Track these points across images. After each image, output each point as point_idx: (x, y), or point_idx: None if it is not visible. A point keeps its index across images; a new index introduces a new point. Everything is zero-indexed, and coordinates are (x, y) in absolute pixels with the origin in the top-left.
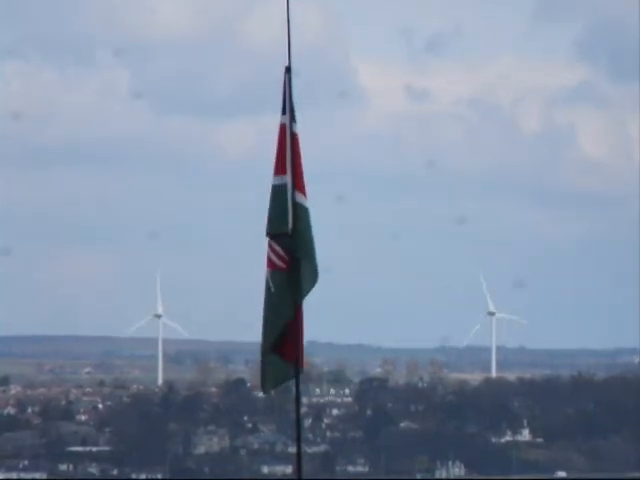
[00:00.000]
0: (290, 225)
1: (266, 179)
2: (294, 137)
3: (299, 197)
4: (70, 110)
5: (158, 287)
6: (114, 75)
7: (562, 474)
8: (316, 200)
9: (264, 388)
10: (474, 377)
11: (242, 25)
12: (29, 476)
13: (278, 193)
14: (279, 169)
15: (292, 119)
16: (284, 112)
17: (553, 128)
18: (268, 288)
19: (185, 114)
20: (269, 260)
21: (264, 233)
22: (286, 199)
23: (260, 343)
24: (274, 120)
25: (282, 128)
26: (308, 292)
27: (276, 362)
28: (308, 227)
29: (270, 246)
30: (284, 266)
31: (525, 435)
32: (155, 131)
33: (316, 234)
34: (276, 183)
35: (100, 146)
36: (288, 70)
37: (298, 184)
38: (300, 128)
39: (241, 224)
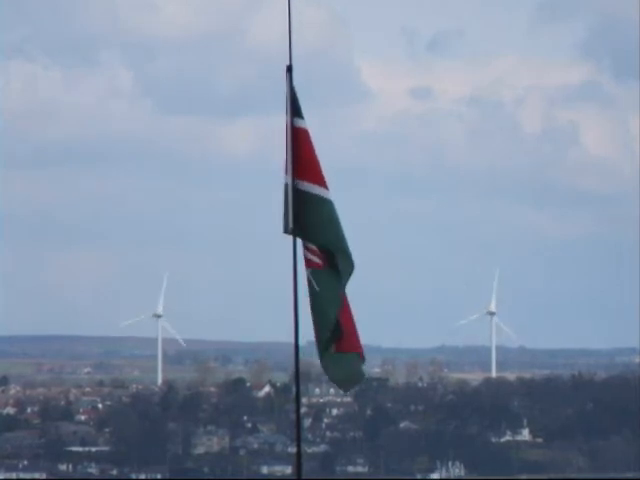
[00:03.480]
0: (290, 224)
1: (267, 179)
2: (303, 132)
3: (318, 190)
4: (72, 109)
5: (163, 288)
6: (116, 74)
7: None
8: None
9: (344, 389)
10: (474, 377)
11: (246, 24)
12: (28, 476)
13: (285, 192)
14: (286, 169)
15: (298, 115)
16: (291, 112)
17: (555, 127)
18: (312, 288)
19: (188, 114)
20: (306, 259)
21: (264, 233)
22: (287, 199)
23: (316, 346)
24: (277, 120)
25: (291, 128)
26: (347, 281)
27: (344, 360)
28: (331, 218)
29: (305, 245)
30: (320, 263)
31: (525, 435)
32: (157, 131)
33: None
34: (285, 182)
35: (101, 146)
36: (289, 69)
37: (316, 177)
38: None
39: (242, 224)
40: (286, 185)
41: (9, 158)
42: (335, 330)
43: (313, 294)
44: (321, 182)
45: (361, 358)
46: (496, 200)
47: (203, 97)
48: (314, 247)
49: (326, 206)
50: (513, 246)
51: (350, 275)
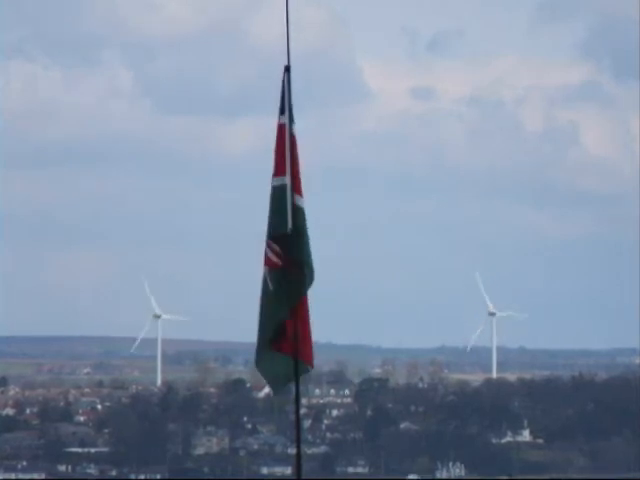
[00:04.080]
0: (290, 225)
1: (267, 179)
2: (292, 138)
3: (298, 199)
4: (72, 109)
5: (147, 291)
6: (116, 74)
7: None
8: (317, 199)
9: (274, 389)
10: (474, 377)
11: (246, 24)
12: (27, 477)
13: (278, 194)
14: (278, 170)
15: (291, 120)
16: (282, 112)
17: (555, 127)
18: (266, 286)
19: (188, 114)
20: (267, 258)
21: (264, 233)
22: (286, 200)
23: (256, 344)
24: (276, 120)
25: (281, 128)
26: (308, 288)
27: (279, 360)
28: (305, 228)
29: (268, 245)
30: (281, 264)
31: (525, 436)
32: (157, 131)
33: (317, 233)
34: (276, 184)
35: (101, 146)
36: (287, 69)
37: (298, 187)
38: (304, 127)
39: (241, 224)
40: (278, 187)
41: (9, 158)
42: (279, 331)
43: (266, 292)
44: (300, 191)
45: (309, 365)
46: (496, 200)
47: (203, 97)
48: (277, 247)
49: (301, 215)
50: (513, 246)
51: (311, 284)
